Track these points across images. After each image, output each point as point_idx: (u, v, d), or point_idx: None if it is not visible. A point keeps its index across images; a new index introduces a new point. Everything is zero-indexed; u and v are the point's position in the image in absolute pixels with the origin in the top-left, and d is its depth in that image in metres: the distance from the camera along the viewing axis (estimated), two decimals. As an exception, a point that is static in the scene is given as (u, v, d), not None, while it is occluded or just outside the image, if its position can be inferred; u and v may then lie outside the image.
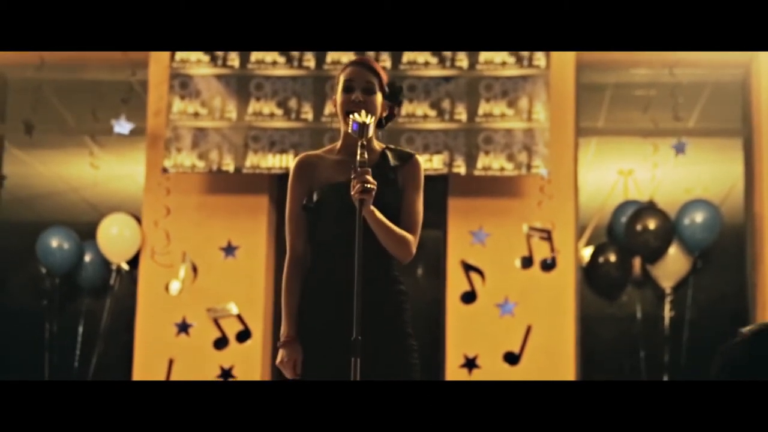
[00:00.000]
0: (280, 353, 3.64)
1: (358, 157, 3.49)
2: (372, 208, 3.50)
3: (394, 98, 3.79)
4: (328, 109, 7.04)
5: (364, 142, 3.52)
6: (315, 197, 3.68)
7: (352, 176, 3.47)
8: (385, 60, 7.01)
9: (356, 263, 3.39)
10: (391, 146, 3.82)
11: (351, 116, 3.58)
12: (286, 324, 3.65)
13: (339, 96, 3.72)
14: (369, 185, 3.45)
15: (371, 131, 3.58)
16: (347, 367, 3.32)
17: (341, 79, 3.73)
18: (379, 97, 3.72)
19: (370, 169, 3.48)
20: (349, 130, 3.58)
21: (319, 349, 3.60)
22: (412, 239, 3.66)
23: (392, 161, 3.73)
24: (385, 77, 3.76)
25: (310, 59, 7.10)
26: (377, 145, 3.77)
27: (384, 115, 3.78)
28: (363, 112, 3.58)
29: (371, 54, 6.89)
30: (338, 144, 3.79)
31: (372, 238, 3.55)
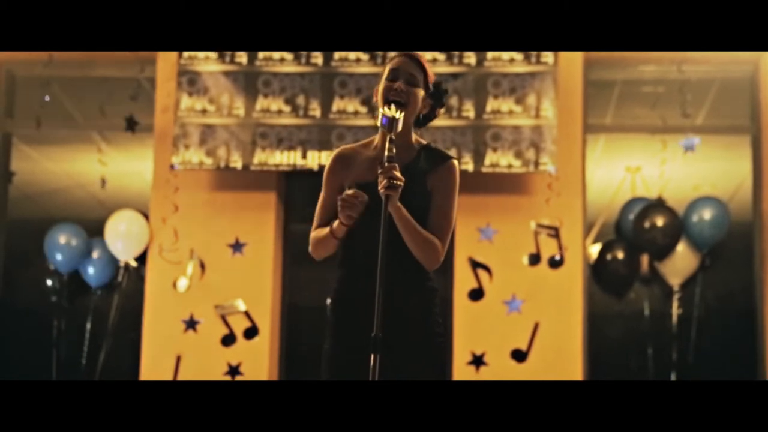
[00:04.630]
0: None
1: (386, 152, 3.43)
2: (399, 204, 3.43)
3: (437, 98, 3.72)
4: (336, 105, 7.05)
5: (393, 137, 3.46)
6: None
7: (379, 171, 3.41)
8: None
9: (379, 259, 3.31)
10: (432, 146, 3.73)
11: (381, 110, 3.52)
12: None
13: (382, 84, 3.64)
14: (396, 181, 3.38)
15: (400, 126, 3.50)
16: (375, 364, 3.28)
17: (387, 68, 3.66)
18: (420, 92, 3.64)
19: (397, 165, 3.41)
20: (378, 124, 3.54)
21: (349, 346, 3.55)
22: (439, 245, 3.57)
23: (423, 163, 3.64)
24: (431, 75, 3.69)
25: (317, 56, 7.10)
26: (415, 143, 3.69)
27: (424, 112, 3.70)
28: (393, 107, 3.52)
29: (380, 53, 6.88)
30: (376, 138, 3.71)
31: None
